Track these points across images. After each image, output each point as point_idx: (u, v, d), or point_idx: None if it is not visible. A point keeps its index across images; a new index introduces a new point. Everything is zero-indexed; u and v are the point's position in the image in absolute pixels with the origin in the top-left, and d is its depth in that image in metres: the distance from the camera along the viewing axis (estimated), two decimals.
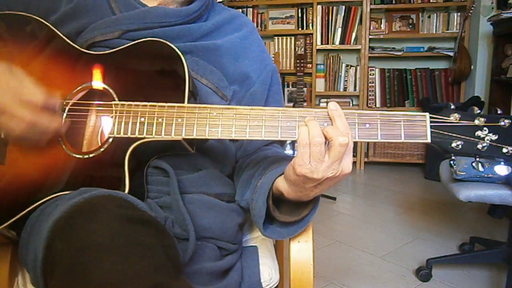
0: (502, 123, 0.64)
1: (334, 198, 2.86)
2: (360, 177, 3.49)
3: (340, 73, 3.78)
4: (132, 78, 0.74)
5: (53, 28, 0.79)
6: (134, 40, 0.76)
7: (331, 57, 3.80)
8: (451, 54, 3.49)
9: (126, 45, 0.76)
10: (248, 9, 3.91)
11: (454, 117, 0.65)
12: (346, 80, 3.78)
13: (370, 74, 3.72)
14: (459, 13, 3.54)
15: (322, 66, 3.86)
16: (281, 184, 0.69)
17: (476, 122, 0.65)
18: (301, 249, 0.81)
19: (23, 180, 0.73)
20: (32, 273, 0.64)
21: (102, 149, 0.71)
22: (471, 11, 3.28)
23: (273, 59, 3.58)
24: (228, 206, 0.82)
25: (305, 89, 3.81)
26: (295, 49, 3.81)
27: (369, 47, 3.66)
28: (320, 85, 3.85)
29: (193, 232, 0.72)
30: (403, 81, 3.70)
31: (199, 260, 0.74)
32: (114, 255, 0.51)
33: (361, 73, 3.69)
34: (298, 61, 3.28)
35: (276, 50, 3.83)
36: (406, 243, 2.20)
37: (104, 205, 0.57)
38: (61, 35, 0.79)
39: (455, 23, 3.54)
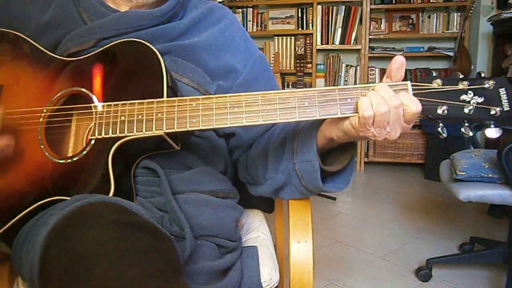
0: (487, 85, 0.63)
1: (334, 198, 2.86)
2: (360, 177, 3.49)
3: (340, 73, 3.78)
4: (111, 80, 0.74)
5: (29, 40, 0.80)
6: None
7: (331, 57, 3.80)
8: (451, 54, 3.49)
9: (102, 48, 0.76)
10: (248, 9, 3.91)
11: (436, 83, 0.64)
12: (346, 80, 3.78)
13: (370, 74, 3.72)
14: (459, 13, 3.54)
15: (322, 66, 3.86)
16: (332, 131, 0.69)
17: (460, 86, 0.63)
18: (301, 249, 0.81)
19: (8, 189, 0.73)
20: (29, 282, 0.64)
21: (84, 152, 0.71)
22: (471, 11, 3.28)
23: (273, 59, 3.59)
24: (224, 202, 0.82)
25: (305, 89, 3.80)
26: (295, 49, 3.81)
27: (369, 47, 3.66)
28: (320, 85, 3.84)
29: (188, 230, 0.72)
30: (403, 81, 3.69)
31: (199, 259, 0.74)
32: (106, 262, 0.51)
33: (361, 73, 3.69)
34: (298, 61, 3.28)
35: (276, 50, 3.83)
36: (406, 243, 2.20)
37: (97, 212, 0.57)
38: (38, 46, 0.79)
39: (455, 23, 3.54)
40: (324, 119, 0.71)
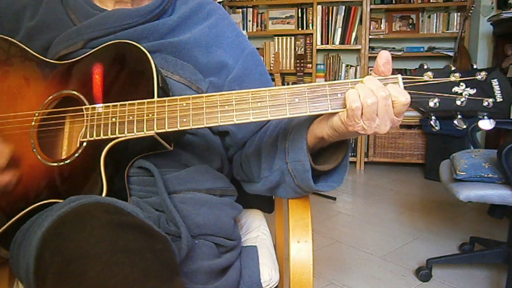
0: (479, 77, 0.63)
1: (334, 198, 2.86)
2: (360, 177, 3.49)
3: (340, 73, 3.78)
4: (102, 82, 0.74)
5: (20, 44, 0.79)
6: None
7: (331, 57, 3.80)
8: (451, 54, 3.49)
9: (93, 50, 0.76)
10: (248, 9, 3.91)
11: (427, 76, 0.63)
12: None
13: (370, 74, 3.72)
14: (459, 13, 3.54)
15: (322, 66, 3.86)
16: (323, 130, 0.69)
17: (452, 78, 0.63)
18: (301, 249, 0.81)
19: (1, 193, 0.73)
20: (26, 284, 0.64)
21: (76, 155, 0.71)
22: (471, 11, 3.28)
23: (273, 59, 3.59)
24: (221, 201, 0.82)
25: None
26: (295, 49, 3.81)
27: (369, 47, 3.66)
28: None
29: (184, 229, 0.72)
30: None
31: (197, 259, 0.74)
32: (101, 263, 0.51)
33: (361, 73, 3.69)
34: (298, 61, 3.28)
35: (276, 50, 3.83)
36: (406, 243, 2.20)
37: (91, 213, 0.57)
38: (29, 50, 0.79)
39: (455, 23, 3.54)
40: (315, 118, 0.71)
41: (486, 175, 1.58)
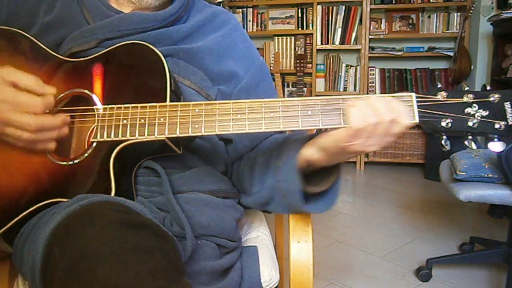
0: (492, 98, 0.62)
1: None
2: (360, 177, 3.49)
3: (340, 73, 3.78)
4: (114, 82, 0.74)
5: (34, 39, 0.79)
6: None
7: (331, 57, 3.80)
8: (451, 54, 3.49)
9: (106, 49, 0.76)
10: (248, 9, 3.90)
11: (441, 95, 0.64)
12: (346, 80, 3.78)
13: (370, 74, 3.72)
14: (459, 13, 3.54)
15: (322, 66, 3.86)
16: (312, 153, 0.70)
17: (465, 99, 0.63)
18: (301, 249, 0.81)
19: (8, 190, 0.73)
20: (31, 280, 0.64)
21: (86, 155, 0.71)
22: (471, 11, 3.28)
23: (273, 59, 3.59)
24: (224, 202, 0.82)
25: (305, 89, 3.81)
26: (295, 49, 3.81)
27: (369, 47, 3.66)
28: (320, 85, 3.85)
29: (189, 230, 0.72)
30: (403, 81, 3.70)
31: (199, 259, 0.74)
32: (110, 261, 0.51)
33: (361, 73, 3.69)
34: (298, 61, 3.29)
35: (276, 50, 3.83)
36: (406, 243, 2.20)
37: (101, 211, 0.57)
38: (42, 45, 0.79)
39: (455, 23, 3.54)
40: (308, 139, 0.72)
41: (486, 175, 1.58)
